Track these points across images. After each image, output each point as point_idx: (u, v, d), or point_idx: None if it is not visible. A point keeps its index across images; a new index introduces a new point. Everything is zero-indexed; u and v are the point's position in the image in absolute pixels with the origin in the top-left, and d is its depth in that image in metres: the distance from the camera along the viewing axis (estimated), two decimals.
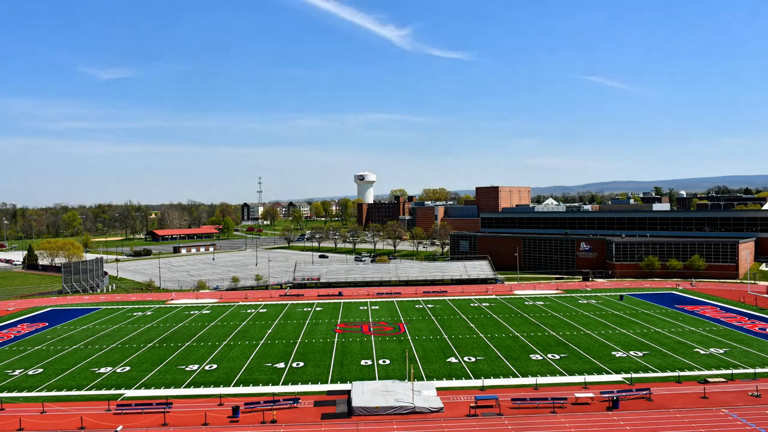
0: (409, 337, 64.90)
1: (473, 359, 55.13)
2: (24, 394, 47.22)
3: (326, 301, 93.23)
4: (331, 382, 48.77)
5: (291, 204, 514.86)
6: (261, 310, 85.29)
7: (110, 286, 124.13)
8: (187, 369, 53.68)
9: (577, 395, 43.38)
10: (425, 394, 43.64)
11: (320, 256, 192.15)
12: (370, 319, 76.35)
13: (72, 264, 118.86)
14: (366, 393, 43.42)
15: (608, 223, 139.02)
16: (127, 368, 54.35)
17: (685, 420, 38.97)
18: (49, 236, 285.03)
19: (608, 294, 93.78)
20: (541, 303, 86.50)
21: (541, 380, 48.09)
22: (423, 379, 48.71)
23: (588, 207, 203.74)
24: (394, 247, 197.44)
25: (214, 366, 54.59)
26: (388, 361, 54.84)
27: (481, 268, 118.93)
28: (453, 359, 55.31)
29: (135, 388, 48.07)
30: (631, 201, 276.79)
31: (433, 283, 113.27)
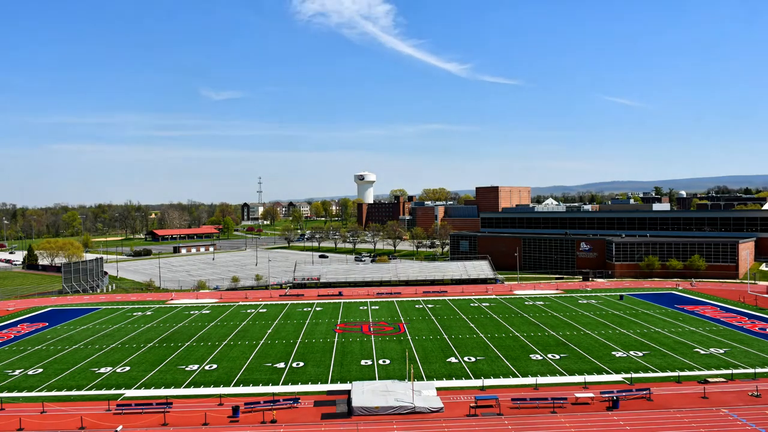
0: (409, 337, 64.91)
1: (473, 359, 55.13)
2: (24, 394, 47.22)
3: (326, 301, 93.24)
4: (331, 382, 48.77)
5: (291, 204, 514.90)
6: (261, 310, 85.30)
7: (110, 286, 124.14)
8: (187, 369, 53.68)
9: (577, 395, 43.38)
10: (425, 394, 43.64)
11: (320, 256, 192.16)
12: (370, 319, 76.35)
13: (72, 264, 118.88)
14: (366, 393, 43.42)
15: (608, 223, 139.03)
16: (127, 368, 54.35)
17: (685, 420, 38.97)
18: (49, 236, 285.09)
19: (608, 294, 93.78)
20: (541, 303, 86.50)
21: (541, 380, 48.09)
22: (423, 379, 48.71)
23: (588, 207, 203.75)
24: (394, 247, 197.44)
25: (214, 366, 54.59)
26: (388, 361, 54.84)
27: (481, 268, 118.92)
28: (453, 359, 55.32)
29: (135, 388, 48.07)
30: (631, 201, 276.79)
31: (433, 283, 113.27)
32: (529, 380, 48.18)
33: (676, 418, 39.23)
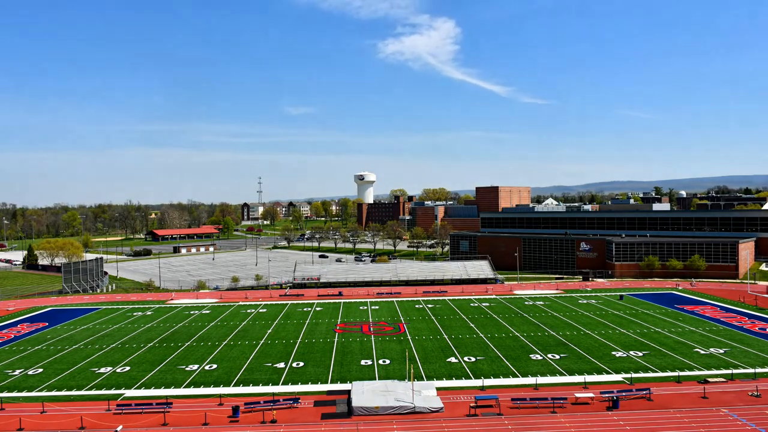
0: (409, 337, 64.91)
1: (473, 359, 55.13)
2: (24, 394, 47.21)
3: (326, 301, 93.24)
4: (331, 382, 48.77)
5: (291, 204, 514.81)
6: (261, 310, 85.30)
7: (110, 286, 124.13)
8: (187, 369, 53.68)
9: (577, 395, 43.38)
10: (425, 394, 43.63)
11: (320, 256, 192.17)
12: (370, 319, 76.35)
13: (72, 264, 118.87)
14: (366, 393, 43.41)
15: (608, 223, 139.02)
16: (127, 368, 54.36)
17: (685, 420, 38.97)
18: (49, 236, 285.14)
19: (608, 294, 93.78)
20: (541, 303, 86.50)
21: (541, 380, 48.09)
22: (423, 379, 48.71)
23: (588, 207, 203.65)
24: (394, 247, 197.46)
25: (214, 366, 54.59)
26: (388, 361, 54.84)
27: (481, 268, 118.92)
28: (453, 359, 55.32)
29: (135, 388, 48.07)
30: (631, 201, 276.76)
31: (433, 283, 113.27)
32: (529, 380, 48.18)
33: (676, 418, 39.23)
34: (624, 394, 43.25)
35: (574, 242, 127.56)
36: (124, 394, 46.73)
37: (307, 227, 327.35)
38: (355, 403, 41.55)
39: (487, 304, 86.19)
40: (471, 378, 49.11)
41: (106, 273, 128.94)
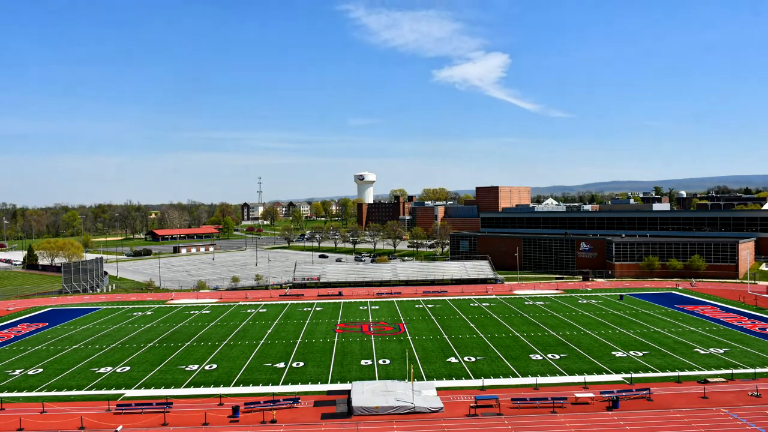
0: (409, 337, 64.91)
1: (473, 359, 55.13)
2: (24, 394, 47.22)
3: (326, 301, 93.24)
4: (331, 382, 48.77)
5: (291, 204, 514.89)
6: (261, 310, 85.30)
7: (110, 286, 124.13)
8: (187, 369, 53.69)
9: (577, 395, 43.38)
10: (425, 394, 43.63)
11: (320, 256, 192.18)
12: (370, 319, 76.35)
13: (72, 264, 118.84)
14: (366, 393, 43.42)
15: (608, 223, 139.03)
16: (127, 368, 54.36)
17: (685, 420, 38.97)
18: (49, 236, 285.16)
19: (608, 294, 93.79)
20: (541, 303, 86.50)
21: (541, 380, 48.09)
22: (423, 379, 48.71)
23: (588, 207, 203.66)
24: (394, 247, 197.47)
25: (214, 366, 54.59)
26: (388, 361, 54.85)
27: (481, 268, 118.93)
28: (453, 359, 55.32)
29: (135, 388, 48.08)
30: (631, 201, 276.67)
31: (433, 283, 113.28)
32: (529, 380, 48.19)
33: (676, 418, 39.23)
34: (624, 394, 43.25)
35: (574, 242, 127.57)
36: (124, 394, 46.73)
37: (307, 227, 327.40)
38: (355, 403, 41.55)
39: (487, 304, 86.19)
40: (471, 378, 49.11)
41: (106, 273, 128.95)
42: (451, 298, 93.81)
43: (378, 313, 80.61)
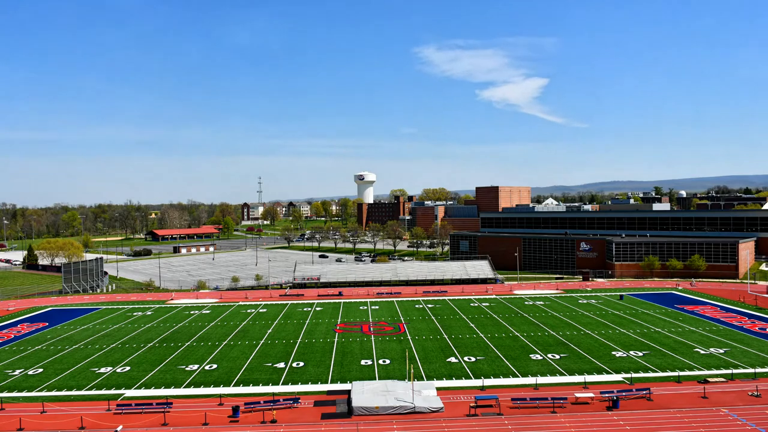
0: (409, 337, 64.91)
1: (473, 359, 55.13)
2: (24, 394, 47.22)
3: (326, 301, 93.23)
4: (331, 382, 48.77)
5: (291, 204, 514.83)
6: (261, 310, 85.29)
7: (110, 286, 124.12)
8: (187, 369, 53.69)
9: (577, 395, 43.38)
10: (425, 394, 43.62)
11: (320, 256, 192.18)
12: (370, 319, 76.35)
13: (72, 264, 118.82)
14: (366, 393, 43.41)
15: (608, 223, 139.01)
16: (127, 368, 54.36)
17: (685, 420, 38.97)
18: (49, 236, 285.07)
19: (608, 294, 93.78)
20: (541, 303, 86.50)
21: (541, 380, 48.09)
22: (423, 379, 48.71)
23: (588, 207, 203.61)
24: (394, 247, 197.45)
25: (214, 366, 54.59)
26: (388, 361, 54.84)
27: (481, 268, 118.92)
28: (453, 359, 55.32)
29: (135, 388, 48.08)
30: (631, 201, 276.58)
31: (433, 283, 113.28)
32: (529, 380, 48.18)
33: (676, 418, 39.24)
34: (624, 394, 43.24)
35: (574, 242, 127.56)
36: (124, 394, 46.73)
37: (307, 227, 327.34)
38: (355, 403, 41.54)
39: (487, 304, 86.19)
40: (471, 378, 49.11)
41: (106, 273, 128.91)
42: (451, 298, 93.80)
43: (378, 313, 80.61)
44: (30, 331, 72.88)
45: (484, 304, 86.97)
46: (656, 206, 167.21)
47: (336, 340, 64.44)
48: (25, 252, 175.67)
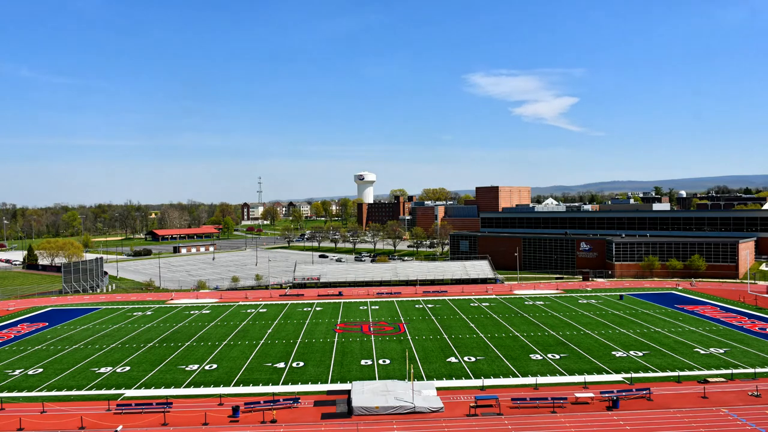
0: (409, 337, 64.91)
1: (473, 359, 55.13)
2: (24, 393, 47.23)
3: (326, 300, 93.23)
4: (331, 382, 48.77)
5: (291, 204, 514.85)
6: (261, 310, 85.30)
7: (110, 286, 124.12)
8: (187, 369, 53.69)
9: (577, 395, 43.38)
10: (425, 393, 43.62)
11: (320, 256, 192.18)
12: (370, 319, 76.35)
13: (72, 264, 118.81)
14: (366, 393, 43.42)
15: (608, 223, 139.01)
16: (127, 368, 54.36)
17: (685, 420, 38.97)
18: (49, 236, 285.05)
19: (608, 294, 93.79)
20: (541, 303, 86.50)
21: (541, 380, 48.09)
22: (423, 379, 48.71)
23: (588, 207, 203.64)
24: (394, 246, 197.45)
25: (214, 366, 54.59)
26: (388, 361, 54.85)
27: (481, 268, 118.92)
28: (453, 359, 55.32)
29: (135, 388, 48.08)
30: (631, 201, 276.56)
31: (433, 283, 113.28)
32: (529, 380, 48.19)
33: (676, 418, 39.24)
34: (624, 394, 43.25)
35: (574, 242, 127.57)
36: (124, 394, 46.73)
37: (307, 227, 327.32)
38: (355, 403, 41.55)
39: (487, 304, 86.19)
40: (471, 378, 49.11)
41: (106, 273, 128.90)
42: (451, 298, 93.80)
43: (378, 313, 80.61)
44: (30, 331, 72.88)
45: (484, 304, 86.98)
46: (656, 206, 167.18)
47: (336, 340, 64.44)
48: (25, 252, 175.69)
